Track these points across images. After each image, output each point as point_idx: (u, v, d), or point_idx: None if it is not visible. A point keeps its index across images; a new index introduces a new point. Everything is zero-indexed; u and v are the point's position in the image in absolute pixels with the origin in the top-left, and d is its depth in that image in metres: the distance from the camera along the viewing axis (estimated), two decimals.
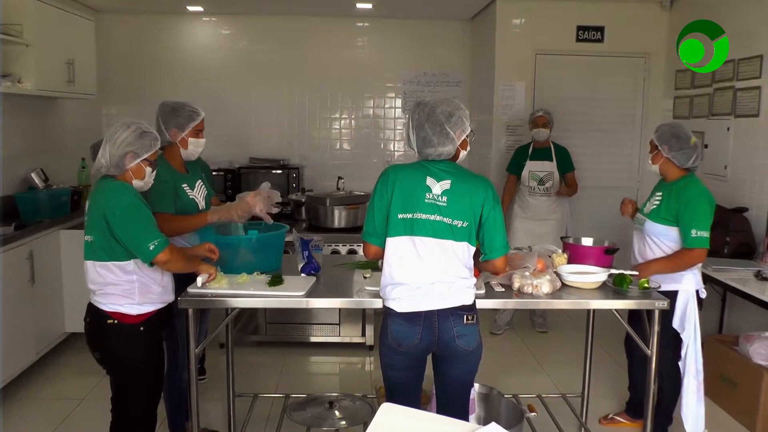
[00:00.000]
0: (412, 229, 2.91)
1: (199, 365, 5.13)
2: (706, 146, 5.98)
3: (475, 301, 3.03)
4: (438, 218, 2.90)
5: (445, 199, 2.90)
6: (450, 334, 2.94)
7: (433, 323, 2.93)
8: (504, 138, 6.99)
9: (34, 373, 5.07)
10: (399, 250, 2.94)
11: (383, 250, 3.01)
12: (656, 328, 3.43)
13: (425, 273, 2.92)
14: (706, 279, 4.76)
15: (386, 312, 3.02)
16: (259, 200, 3.68)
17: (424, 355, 3.05)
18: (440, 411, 3.12)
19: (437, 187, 2.91)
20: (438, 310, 2.93)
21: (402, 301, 2.94)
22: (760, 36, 5.27)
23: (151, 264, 3.07)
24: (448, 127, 2.91)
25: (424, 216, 2.90)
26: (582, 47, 6.91)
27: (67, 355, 5.48)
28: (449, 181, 2.93)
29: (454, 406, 3.11)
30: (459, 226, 2.91)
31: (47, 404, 4.69)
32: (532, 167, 6.08)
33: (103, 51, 7.01)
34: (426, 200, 2.90)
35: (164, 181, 3.39)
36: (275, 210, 3.78)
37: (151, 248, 2.98)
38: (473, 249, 2.99)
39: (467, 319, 2.97)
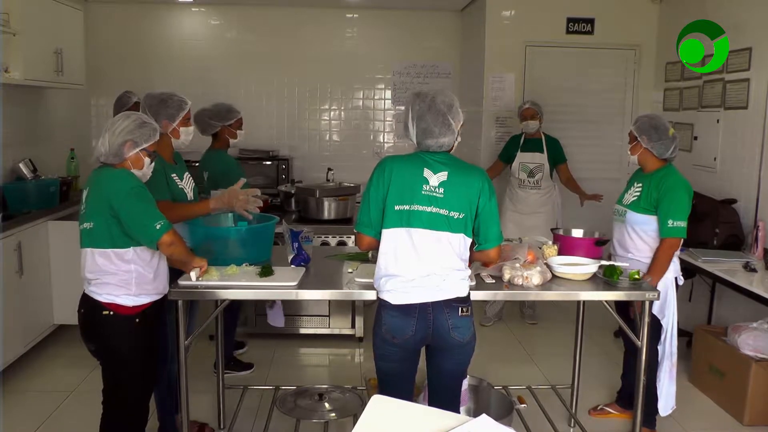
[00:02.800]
0: (408, 220, 2.90)
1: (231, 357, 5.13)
2: (695, 138, 6.01)
3: (469, 293, 3.04)
4: (435, 210, 2.89)
5: (442, 190, 2.90)
6: (445, 326, 2.94)
7: (428, 315, 2.93)
8: (493, 129, 6.99)
9: (23, 365, 5.04)
10: (394, 242, 2.93)
11: (377, 241, 3.01)
12: (646, 319, 3.45)
13: (420, 265, 2.91)
14: (696, 270, 4.80)
15: (380, 304, 3.02)
16: (251, 199, 3.74)
17: (419, 347, 3.05)
18: (432, 402, 3.12)
19: (434, 179, 2.91)
20: (432, 303, 2.93)
21: (396, 293, 2.94)
22: (749, 28, 5.28)
23: (157, 247, 3.05)
24: (449, 118, 2.91)
25: (420, 208, 2.89)
26: (572, 39, 6.91)
27: (56, 346, 5.45)
28: (446, 173, 2.92)
29: (446, 397, 3.11)
30: (456, 217, 2.91)
31: (36, 396, 4.67)
32: (523, 159, 6.09)
33: (91, 41, 6.98)
34: (423, 192, 2.90)
35: (156, 169, 3.37)
36: (253, 215, 3.87)
37: (157, 227, 2.97)
38: (469, 241, 3.00)
39: (462, 311, 2.97)
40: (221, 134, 4.82)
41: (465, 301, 3.00)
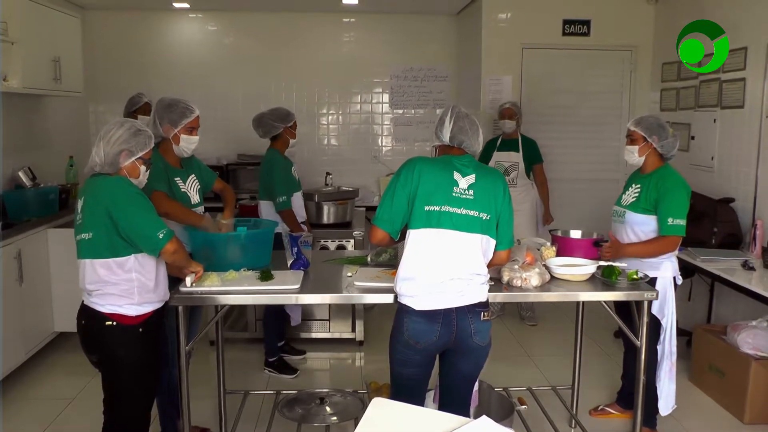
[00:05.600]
0: (438, 221, 2.92)
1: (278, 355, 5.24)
2: (692, 138, 6.02)
3: (488, 297, 3.06)
4: (464, 212, 2.93)
5: (471, 192, 2.95)
6: (468, 331, 2.96)
7: (452, 321, 2.94)
8: (491, 132, 6.98)
9: (23, 373, 5.05)
10: (422, 243, 2.94)
11: (390, 238, 3.03)
12: (645, 318, 3.45)
13: (447, 267, 2.93)
14: (695, 269, 4.80)
15: (402, 309, 3.01)
16: None
17: (439, 352, 3.07)
18: (443, 403, 3.17)
19: (463, 182, 2.97)
20: (456, 308, 2.94)
21: (419, 299, 2.94)
22: (744, 28, 5.29)
23: (159, 255, 3.03)
24: (479, 128, 3.10)
25: (451, 209, 2.92)
26: (568, 41, 6.93)
27: (56, 354, 5.46)
28: (474, 176, 2.99)
29: (458, 398, 3.15)
30: (485, 219, 2.96)
31: (37, 404, 4.67)
32: (499, 158, 6.18)
33: (89, 48, 7.00)
34: (453, 194, 2.94)
35: (155, 164, 3.38)
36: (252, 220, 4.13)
37: (160, 236, 2.95)
38: (494, 242, 3.03)
39: (484, 315, 3.00)
40: (282, 135, 5.00)
41: (486, 305, 3.03)
